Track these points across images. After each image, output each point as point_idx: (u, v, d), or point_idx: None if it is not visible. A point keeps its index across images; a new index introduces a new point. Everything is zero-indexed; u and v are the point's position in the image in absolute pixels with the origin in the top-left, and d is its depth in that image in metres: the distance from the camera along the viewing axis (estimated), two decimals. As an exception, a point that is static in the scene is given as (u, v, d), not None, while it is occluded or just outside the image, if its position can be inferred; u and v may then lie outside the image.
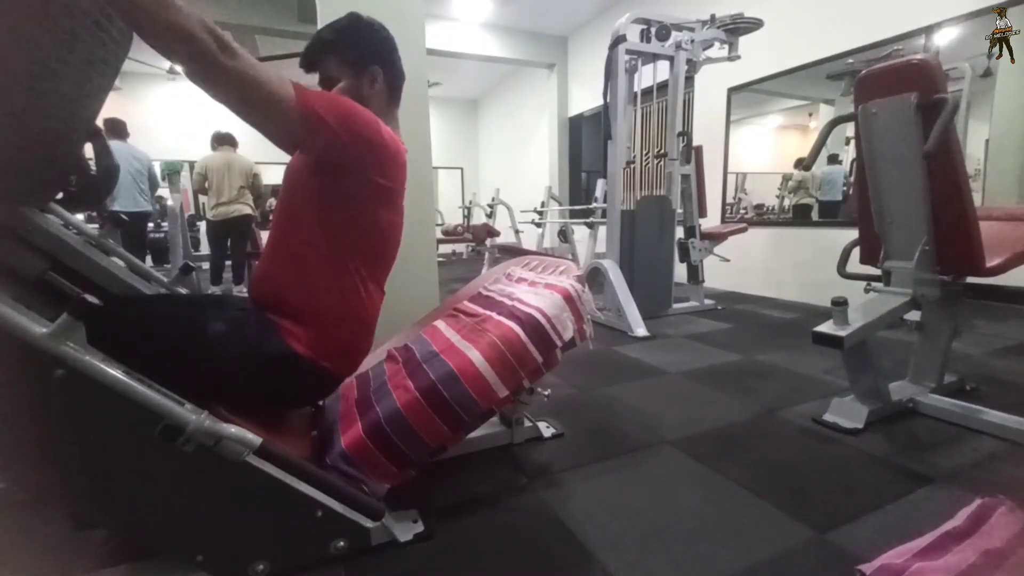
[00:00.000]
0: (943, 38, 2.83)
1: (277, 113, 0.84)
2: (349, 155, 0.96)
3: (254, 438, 0.81)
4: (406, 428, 1.02)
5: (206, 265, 4.51)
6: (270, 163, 8.29)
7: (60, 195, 1.25)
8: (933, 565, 0.88)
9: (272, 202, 7.97)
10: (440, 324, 1.33)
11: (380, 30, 1.11)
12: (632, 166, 3.19)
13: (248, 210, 4.20)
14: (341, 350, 1.05)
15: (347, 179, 0.99)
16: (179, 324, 0.99)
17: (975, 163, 2.77)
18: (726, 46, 3.11)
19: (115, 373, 0.74)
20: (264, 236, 5.65)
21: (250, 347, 0.97)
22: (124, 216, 3.71)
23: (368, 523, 0.95)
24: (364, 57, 1.08)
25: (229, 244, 4.31)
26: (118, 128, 3.92)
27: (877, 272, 1.62)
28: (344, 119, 0.92)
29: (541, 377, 1.19)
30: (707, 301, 3.49)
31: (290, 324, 1.00)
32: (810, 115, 4.23)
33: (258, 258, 4.79)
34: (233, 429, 0.80)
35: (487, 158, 9.53)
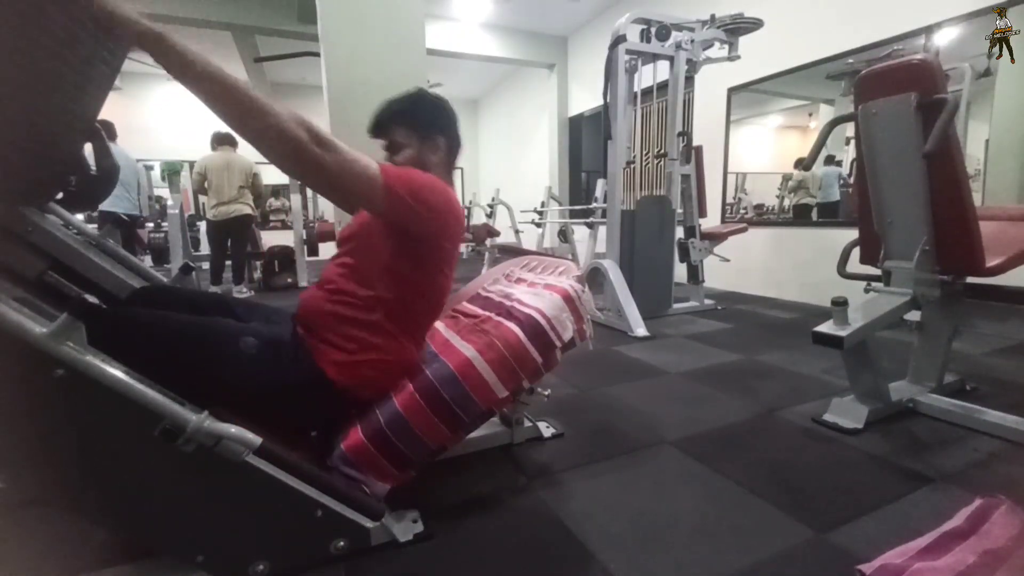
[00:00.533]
0: (943, 38, 2.83)
1: (364, 195, 0.94)
2: (423, 227, 1.04)
3: (254, 438, 0.82)
4: (406, 430, 1.02)
5: (206, 265, 4.51)
6: (260, 163, 8.28)
7: (60, 195, 1.25)
8: (933, 565, 0.88)
9: (273, 202, 7.99)
10: (439, 325, 1.33)
11: (444, 104, 1.21)
12: (632, 166, 3.19)
13: (248, 210, 4.20)
14: (370, 383, 1.06)
15: (418, 245, 1.07)
16: (212, 335, 0.99)
17: (975, 163, 2.77)
18: (726, 46, 3.11)
19: (115, 373, 0.74)
20: (264, 236, 5.65)
21: (283, 368, 1.00)
22: (125, 217, 3.71)
23: (368, 523, 0.95)
24: (429, 127, 1.16)
25: (229, 244, 4.31)
26: (106, 130, 3.91)
27: (877, 272, 1.62)
28: (421, 195, 1.00)
29: (541, 378, 1.19)
30: (707, 301, 3.49)
31: (328, 348, 1.03)
32: (810, 115, 4.23)
33: (259, 258, 4.77)
34: (233, 429, 0.80)
35: (487, 158, 9.53)
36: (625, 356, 2.36)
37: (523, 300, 1.22)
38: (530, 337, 1.10)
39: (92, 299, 0.72)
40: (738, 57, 3.13)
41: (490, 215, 6.44)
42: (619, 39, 2.84)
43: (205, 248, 5.75)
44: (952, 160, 1.35)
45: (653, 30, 2.96)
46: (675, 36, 3.01)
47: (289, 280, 4.97)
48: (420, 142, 1.14)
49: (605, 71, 2.93)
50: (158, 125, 7.31)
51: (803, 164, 3.81)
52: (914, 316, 1.56)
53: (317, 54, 2.29)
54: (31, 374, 0.72)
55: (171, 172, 4.28)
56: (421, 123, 1.15)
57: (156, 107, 7.39)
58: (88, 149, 1.31)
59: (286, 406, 1.02)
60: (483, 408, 1.07)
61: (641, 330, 2.72)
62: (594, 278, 3.06)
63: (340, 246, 1.14)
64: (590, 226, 4.60)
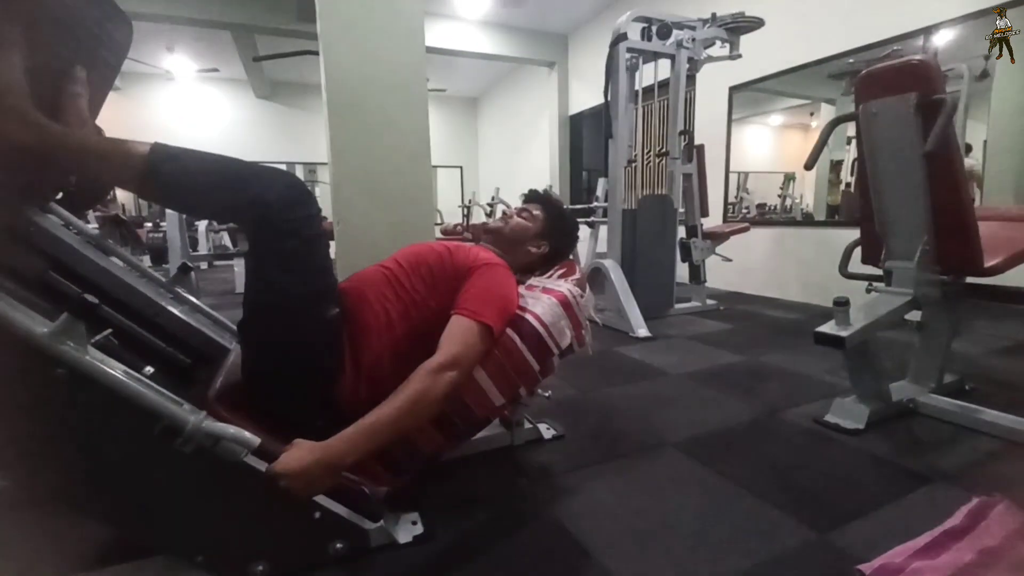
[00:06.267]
0: (941, 39, 2.82)
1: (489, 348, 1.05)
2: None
3: (252, 438, 0.81)
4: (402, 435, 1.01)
5: (204, 265, 4.49)
6: (259, 162, 8.24)
7: (60, 195, 1.25)
8: (932, 564, 0.88)
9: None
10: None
11: (575, 239, 1.45)
12: (633, 165, 3.18)
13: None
14: (360, 396, 1.06)
15: None
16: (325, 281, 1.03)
17: (974, 163, 2.76)
18: (727, 45, 3.10)
19: (115, 373, 0.74)
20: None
21: (320, 344, 1.01)
22: (123, 216, 3.71)
23: (367, 525, 0.95)
24: (549, 228, 1.36)
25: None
26: None
27: (879, 272, 1.62)
28: (509, 313, 1.12)
29: (538, 384, 1.19)
30: (709, 301, 3.48)
31: (348, 351, 1.05)
32: (811, 114, 4.23)
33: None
34: (232, 429, 0.80)
35: (487, 157, 9.52)
36: (626, 357, 2.36)
37: (521, 305, 1.21)
38: (528, 345, 1.09)
39: (92, 299, 0.72)
40: (739, 56, 3.12)
41: (490, 214, 6.43)
42: (620, 37, 2.84)
43: (204, 248, 5.75)
44: (951, 160, 1.34)
45: (654, 28, 2.96)
46: (676, 34, 3.00)
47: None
48: (538, 231, 1.35)
49: (606, 69, 2.92)
50: (158, 125, 7.30)
51: (805, 164, 3.80)
52: (915, 316, 1.55)
53: (316, 53, 2.29)
54: (31, 374, 0.72)
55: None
56: (551, 223, 1.36)
57: (156, 107, 7.39)
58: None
59: (294, 372, 1.01)
60: (480, 416, 1.07)
61: (642, 331, 2.72)
62: (595, 278, 3.05)
63: (400, 260, 1.18)
64: (591, 225, 4.60)
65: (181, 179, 0.93)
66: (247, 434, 0.81)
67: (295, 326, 0.98)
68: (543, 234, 1.35)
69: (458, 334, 0.99)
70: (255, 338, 1.02)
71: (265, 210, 0.94)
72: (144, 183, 0.91)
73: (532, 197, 1.42)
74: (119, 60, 1.08)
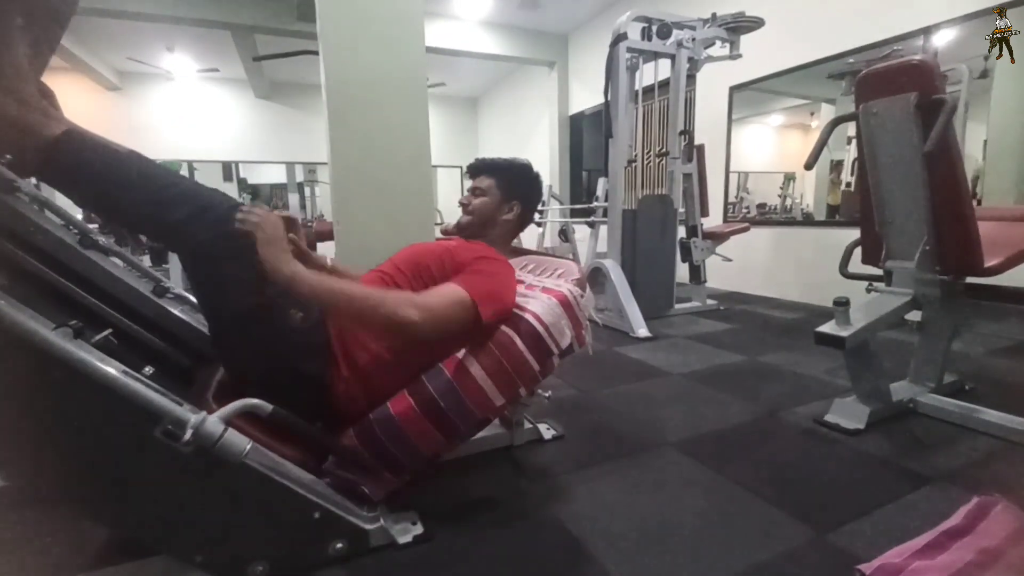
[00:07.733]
0: (941, 39, 2.82)
1: (462, 328, 1.00)
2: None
3: (263, 403, 0.84)
4: (401, 436, 1.01)
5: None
6: (258, 162, 8.25)
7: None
8: (931, 564, 0.88)
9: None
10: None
11: (536, 181, 1.37)
12: (633, 165, 3.18)
13: None
14: (358, 398, 1.07)
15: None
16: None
17: (974, 164, 2.76)
18: (727, 44, 3.10)
19: (115, 373, 0.74)
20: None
21: (301, 352, 1.02)
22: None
23: (367, 525, 0.95)
24: (512, 190, 1.30)
25: None
26: None
27: (879, 272, 1.62)
28: (507, 303, 1.09)
29: (538, 384, 1.19)
30: (709, 301, 3.48)
31: (341, 354, 1.05)
32: (812, 114, 4.23)
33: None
34: (231, 430, 0.80)
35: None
36: (626, 357, 2.36)
37: (521, 305, 1.21)
38: (528, 344, 1.09)
39: (94, 300, 0.73)
40: (739, 56, 3.12)
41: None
42: (620, 37, 2.84)
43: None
44: (951, 160, 1.34)
45: (654, 28, 2.95)
46: (676, 34, 3.00)
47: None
48: (500, 198, 1.28)
49: (606, 69, 2.92)
50: (158, 125, 7.28)
51: (805, 164, 3.79)
52: (915, 316, 1.55)
53: (316, 52, 2.29)
54: (32, 374, 0.72)
55: (171, 171, 4.28)
56: (506, 183, 1.29)
57: (156, 107, 7.37)
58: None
59: (280, 382, 1.01)
60: (480, 416, 1.07)
61: (643, 331, 2.72)
62: (595, 278, 3.05)
63: (399, 264, 1.18)
64: (591, 225, 4.60)
65: (86, 173, 0.89)
66: (254, 400, 0.84)
67: (255, 343, 0.98)
68: (506, 197, 1.30)
69: (444, 293, 0.99)
70: (227, 356, 1.05)
71: (183, 241, 0.93)
72: (44, 164, 0.89)
73: (474, 171, 1.33)
74: (68, 9, 1.00)
